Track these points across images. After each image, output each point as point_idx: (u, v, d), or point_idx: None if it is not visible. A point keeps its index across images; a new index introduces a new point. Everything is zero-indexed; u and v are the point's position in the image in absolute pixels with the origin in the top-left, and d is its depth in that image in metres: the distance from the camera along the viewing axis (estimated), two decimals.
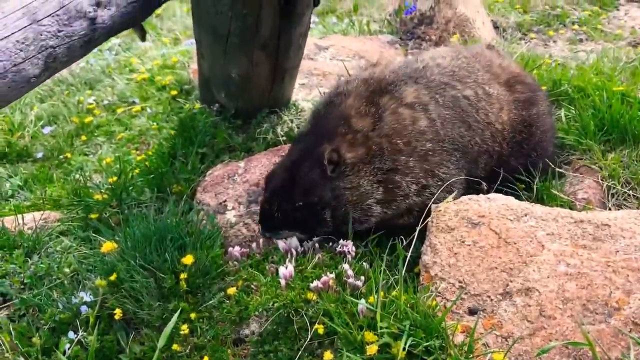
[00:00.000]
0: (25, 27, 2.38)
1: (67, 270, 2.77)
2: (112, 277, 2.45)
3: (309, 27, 3.32)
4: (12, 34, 2.34)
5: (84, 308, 2.47)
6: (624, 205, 2.95)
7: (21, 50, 2.35)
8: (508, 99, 2.94)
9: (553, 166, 3.03)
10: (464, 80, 2.88)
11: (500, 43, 5.20)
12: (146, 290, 2.41)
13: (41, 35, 2.43)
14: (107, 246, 2.55)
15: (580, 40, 5.81)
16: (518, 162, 2.94)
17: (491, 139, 2.82)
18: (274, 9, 2.88)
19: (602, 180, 3.05)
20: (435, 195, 2.58)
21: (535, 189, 2.94)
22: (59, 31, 2.49)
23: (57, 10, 2.49)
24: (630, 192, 2.97)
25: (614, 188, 3.00)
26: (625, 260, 2.16)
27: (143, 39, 3.24)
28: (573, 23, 6.12)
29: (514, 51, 4.77)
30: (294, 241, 2.57)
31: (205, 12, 3.09)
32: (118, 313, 2.40)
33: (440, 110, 2.69)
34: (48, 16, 2.46)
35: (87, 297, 2.50)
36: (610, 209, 2.92)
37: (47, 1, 2.46)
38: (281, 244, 2.56)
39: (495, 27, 5.97)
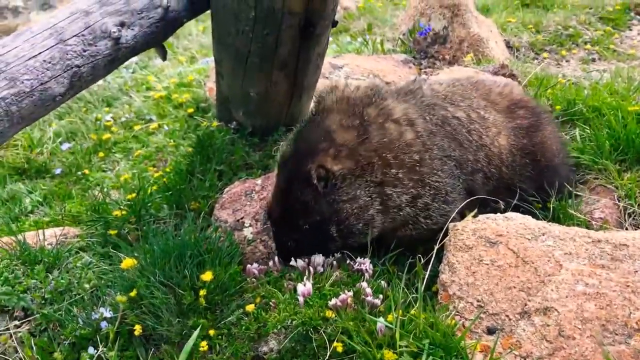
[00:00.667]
0: (52, 46, 2.44)
1: (87, 285, 2.79)
2: (132, 293, 2.47)
3: (327, 47, 3.36)
4: (40, 53, 2.40)
5: (104, 324, 2.49)
6: None
7: (48, 70, 2.40)
8: (507, 125, 2.96)
9: (569, 187, 3.04)
10: (457, 104, 2.92)
11: (513, 62, 5.23)
12: (165, 307, 2.42)
13: (67, 54, 2.48)
14: (127, 262, 2.57)
15: (593, 60, 5.83)
16: (526, 185, 2.93)
17: (486, 160, 2.82)
18: (294, 30, 2.92)
19: (618, 200, 3.05)
20: (431, 206, 2.62)
21: (551, 209, 2.94)
22: (84, 51, 2.54)
23: (83, 30, 2.54)
24: None
25: (630, 208, 3.00)
26: None
27: (164, 58, 3.29)
28: (585, 43, 6.15)
29: (528, 70, 4.79)
30: (317, 258, 2.59)
31: (226, 32, 3.14)
32: (138, 329, 2.41)
33: (427, 126, 2.71)
34: (74, 36, 2.51)
35: (107, 312, 2.52)
36: (627, 229, 2.91)
37: (74, 21, 2.52)
38: (300, 262, 2.58)
39: (508, 46, 6.00)
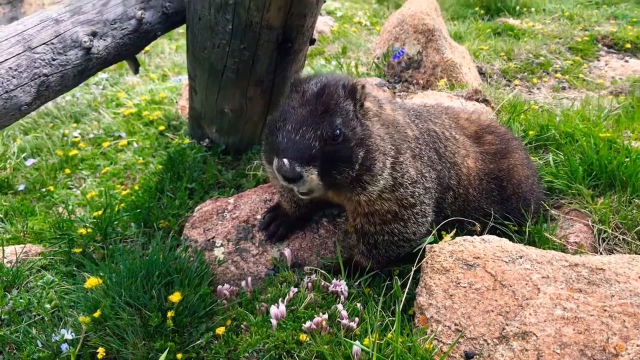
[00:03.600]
0: (19, 54, 2.34)
1: (48, 306, 2.66)
2: (96, 314, 2.35)
3: (304, 65, 3.33)
4: (5, 60, 2.30)
5: (64, 346, 2.36)
6: (615, 249, 2.94)
7: (14, 77, 2.30)
8: (475, 149, 2.95)
9: (538, 211, 3.04)
10: (432, 120, 2.91)
11: (486, 88, 5.27)
12: (131, 328, 2.31)
13: (35, 62, 2.38)
14: (91, 281, 2.45)
15: (563, 88, 5.94)
16: (492, 208, 2.92)
17: (456, 178, 2.79)
18: (272, 45, 2.87)
19: (592, 224, 3.05)
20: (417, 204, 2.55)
21: (527, 232, 2.93)
22: (53, 59, 2.45)
23: (53, 38, 2.45)
24: (621, 236, 2.96)
25: (604, 232, 3.00)
26: (621, 305, 2.13)
27: (136, 71, 3.21)
28: (556, 71, 6.27)
29: (500, 96, 4.84)
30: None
31: (201, 45, 3.08)
32: (101, 352, 2.29)
33: (417, 133, 2.69)
34: (43, 44, 2.42)
35: (68, 334, 2.39)
36: (601, 253, 2.91)
37: (43, 29, 2.43)
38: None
39: (481, 73, 6.07)
